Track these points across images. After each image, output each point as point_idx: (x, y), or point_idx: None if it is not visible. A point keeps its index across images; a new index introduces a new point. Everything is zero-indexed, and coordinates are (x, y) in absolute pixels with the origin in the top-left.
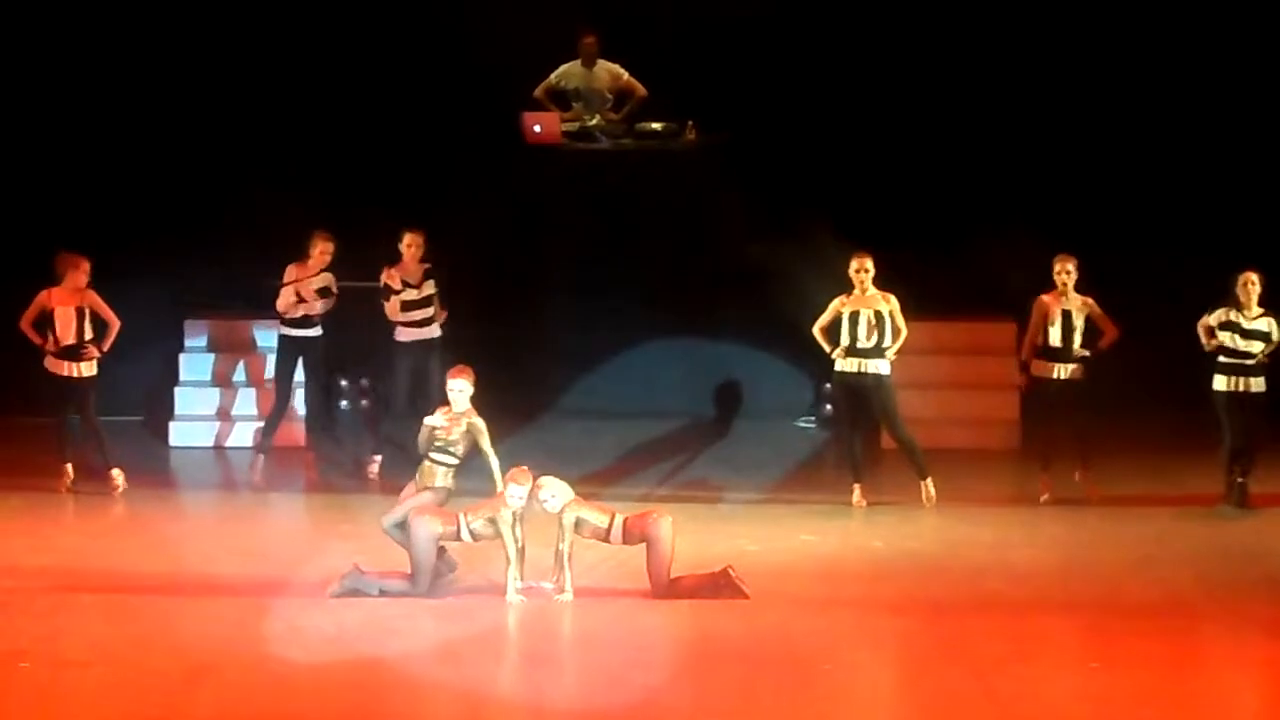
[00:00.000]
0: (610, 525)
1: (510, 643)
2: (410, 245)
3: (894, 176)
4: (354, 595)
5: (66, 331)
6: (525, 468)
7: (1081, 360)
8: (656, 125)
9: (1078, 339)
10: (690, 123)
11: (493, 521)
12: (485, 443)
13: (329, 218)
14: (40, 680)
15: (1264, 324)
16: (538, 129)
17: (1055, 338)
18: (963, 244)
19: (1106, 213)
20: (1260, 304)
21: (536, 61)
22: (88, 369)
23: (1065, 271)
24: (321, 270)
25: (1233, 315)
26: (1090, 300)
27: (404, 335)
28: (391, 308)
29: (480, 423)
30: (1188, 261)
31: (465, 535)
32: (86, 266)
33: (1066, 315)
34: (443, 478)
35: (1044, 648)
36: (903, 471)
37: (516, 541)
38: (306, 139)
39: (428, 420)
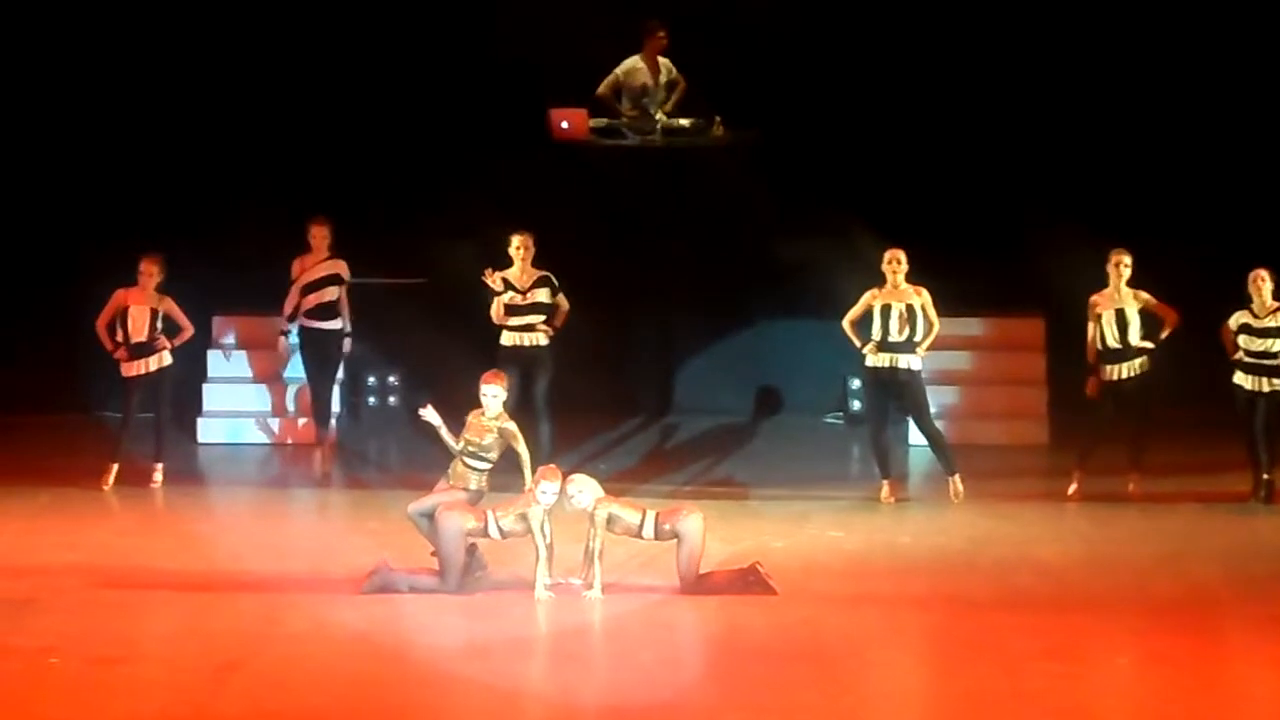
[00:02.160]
0: (642, 521)
1: (539, 639)
2: (519, 248)
3: (923, 172)
4: (383, 592)
5: (139, 330)
6: (555, 466)
7: (1145, 353)
8: (684, 121)
9: (1135, 335)
10: (718, 118)
11: (524, 518)
12: (519, 445)
13: (354, 214)
14: (70, 676)
15: (1275, 320)
16: (565, 125)
17: (1111, 338)
18: (992, 239)
19: (1138, 206)
20: (1275, 299)
21: (563, 57)
22: (156, 362)
23: (1121, 265)
24: (326, 258)
25: (1246, 317)
26: (1142, 293)
27: (505, 339)
28: (495, 310)
29: (512, 427)
30: (1219, 255)
31: (494, 532)
32: (157, 272)
33: (1120, 313)
34: (476, 481)
35: (1072, 644)
36: (931, 467)
37: (546, 538)
38: (333, 135)
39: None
